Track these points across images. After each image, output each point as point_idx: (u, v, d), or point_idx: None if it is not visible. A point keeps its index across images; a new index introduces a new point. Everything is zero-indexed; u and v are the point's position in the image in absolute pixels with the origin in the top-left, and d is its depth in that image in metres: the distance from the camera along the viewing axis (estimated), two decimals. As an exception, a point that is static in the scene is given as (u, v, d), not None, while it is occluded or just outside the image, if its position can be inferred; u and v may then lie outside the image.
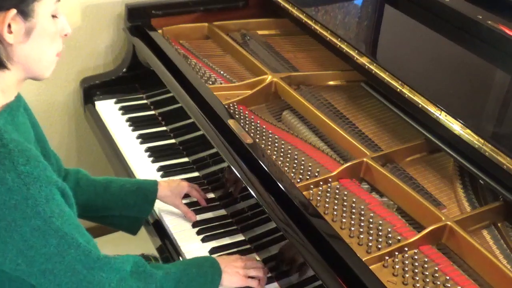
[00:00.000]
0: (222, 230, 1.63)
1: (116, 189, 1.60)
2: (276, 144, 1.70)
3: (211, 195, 1.74)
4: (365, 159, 1.60)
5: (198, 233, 1.62)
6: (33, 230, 1.14)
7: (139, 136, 1.98)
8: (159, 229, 1.67)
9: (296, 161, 1.64)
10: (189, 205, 1.69)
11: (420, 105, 1.56)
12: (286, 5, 2.07)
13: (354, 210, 1.50)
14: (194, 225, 1.64)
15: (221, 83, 1.94)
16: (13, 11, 1.14)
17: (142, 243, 1.73)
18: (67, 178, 1.57)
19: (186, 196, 1.70)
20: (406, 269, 1.36)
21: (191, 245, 1.59)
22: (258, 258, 1.55)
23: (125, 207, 1.60)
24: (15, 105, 1.26)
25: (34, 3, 1.17)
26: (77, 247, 1.18)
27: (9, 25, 1.15)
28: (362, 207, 1.51)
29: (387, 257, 1.38)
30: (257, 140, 1.67)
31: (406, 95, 1.60)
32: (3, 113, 1.21)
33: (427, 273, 1.36)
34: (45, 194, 1.15)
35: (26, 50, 1.20)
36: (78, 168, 1.62)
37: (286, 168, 1.62)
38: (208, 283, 1.39)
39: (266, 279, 1.48)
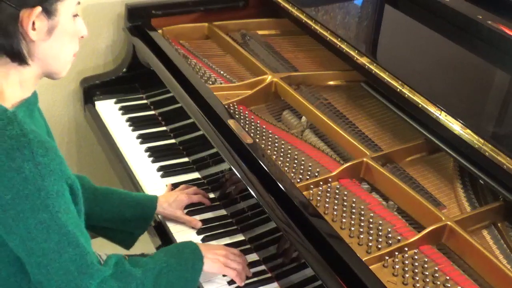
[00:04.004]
0: (222, 230, 1.63)
1: (116, 200, 1.60)
2: (276, 144, 1.70)
3: (211, 195, 1.74)
4: (365, 159, 1.60)
5: (198, 233, 1.62)
6: (38, 223, 1.16)
7: (139, 136, 1.98)
8: (159, 229, 1.67)
9: (296, 161, 1.64)
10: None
11: (420, 105, 1.56)
12: (286, 5, 2.07)
13: (354, 210, 1.50)
14: (194, 225, 1.65)
15: (221, 83, 1.94)
16: (39, 9, 1.17)
17: (142, 243, 1.73)
18: None
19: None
20: (406, 269, 1.36)
21: (191, 245, 1.59)
22: (258, 258, 1.55)
23: (121, 220, 1.61)
24: (32, 101, 1.29)
25: (57, 3, 1.20)
26: (76, 247, 1.20)
27: (33, 23, 1.18)
28: (362, 207, 1.51)
29: (387, 257, 1.38)
30: (257, 140, 1.67)
31: (406, 95, 1.60)
32: (22, 106, 1.24)
33: (427, 273, 1.36)
34: (57, 188, 1.17)
35: (46, 48, 1.23)
36: (81, 175, 1.63)
37: (286, 168, 1.62)
38: (189, 270, 1.39)
39: (245, 277, 1.48)
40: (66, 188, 1.21)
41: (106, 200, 1.60)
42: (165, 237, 1.65)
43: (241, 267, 1.47)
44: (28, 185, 1.14)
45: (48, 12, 1.19)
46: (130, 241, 1.66)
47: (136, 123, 2.04)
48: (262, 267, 1.52)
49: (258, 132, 1.75)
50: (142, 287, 1.31)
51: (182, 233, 1.63)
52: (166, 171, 1.83)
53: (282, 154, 1.67)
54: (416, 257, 1.38)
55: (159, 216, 1.68)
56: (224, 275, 1.49)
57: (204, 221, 1.66)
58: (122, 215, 1.60)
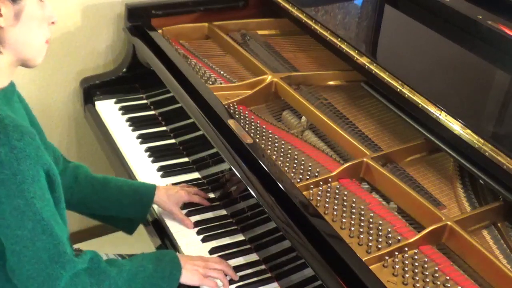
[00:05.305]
0: (222, 230, 1.63)
1: (113, 189, 1.61)
2: (276, 144, 1.70)
3: (211, 195, 1.74)
4: (365, 159, 1.60)
5: (198, 233, 1.62)
6: (13, 210, 1.17)
7: (139, 136, 1.98)
8: (159, 229, 1.67)
9: (296, 161, 1.64)
10: (189, 205, 1.69)
11: (420, 105, 1.56)
12: (286, 5, 2.07)
13: (354, 210, 1.50)
14: (194, 225, 1.64)
15: (221, 83, 1.94)
16: None
17: (142, 243, 1.73)
18: (66, 172, 1.57)
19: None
20: (406, 269, 1.36)
21: (191, 245, 1.59)
22: (258, 258, 1.55)
23: (120, 208, 1.61)
24: (10, 91, 1.29)
25: None
26: (50, 235, 1.20)
27: None
28: (362, 207, 1.51)
29: (387, 257, 1.38)
30: (257, 140, 1.67)
31: (406, 95, 1.60)
32: None
33: (427, 273, 1.36)
34: (32, 173, 1.18)
35: (16, 34, 1.24)
36: (79, 163, 1.63)
37: (286, 168, 1.62)
38: (166, 278, 1.38)
39: (228, 283, 1.47)
40: (42, 175, 1.21)
41: (104, 189, 1.60)
42: (165, 237, 1.65)
43: (222, 276, 1.46)
44: (3, 170, 1.15)
45: None
46: (131, 227, 1.66)
47: (136, 123, 2.04)
48: (262, 267, 1.53)
49: (258, 132, 1.75)
50: (115, 287, 1.30)
51: (182, 233, 1.63)
52: (166, 171, 1.83)
53: (282, 154, 1.67)
54: (416, 257, 1.38)
55: (158, 214, 1.68)
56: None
57: (204, 221, 1.66)
58: (120, 203, 1.60)
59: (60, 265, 1.22)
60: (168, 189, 1.66)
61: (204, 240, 1.60)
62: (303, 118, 1.83)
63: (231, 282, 1.48)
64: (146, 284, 1.35)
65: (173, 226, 1.65)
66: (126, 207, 1.61)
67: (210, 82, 1.94)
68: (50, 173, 1.24)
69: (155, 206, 1.70)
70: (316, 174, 1.59)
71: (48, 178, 1.24)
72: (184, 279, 1.41)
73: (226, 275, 1.48)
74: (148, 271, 1.36)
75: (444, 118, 1.50)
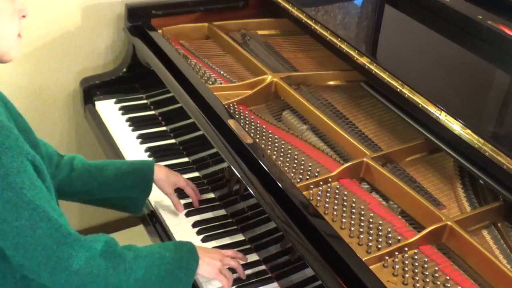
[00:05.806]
0: (222, 230, 1.63)
1: (112, 171, 1.60)
2: (276, 144, 1.70)
3: (211, 195, 1.74)
4: (365, 159, 1.60)
5: (198, 233, 1.62)
6: (5, 203, 1.16)
7: (139, 136, 1.98)
8: (159, 229, 1.67)
9: (296, 161, 1.64)
10: (190, 205, 1.69)
11: (420, 105, 1.56)
12: (286, 5, 2.07)
13: (354, 210, 1.50)
14: (194, 225, 1.64)
15: (221, 83, 1.94)
16: None
17: (142, 243, 1.73)
18: (61, 165, 1.57)
19: (186, 196, 1.70)
20: (406, 269, 1.36)
21: (191, 245, 1.59)
22: (258, 258, 1.55)
23: (122, 188, 1.61)
24: None
25: None
26: (48, 221, 1.19)
27: None
28: (362, 207, 1.51)
29: (387, 257, 1.38)
30: (257, 140, 1.67)
31: (406, 95, 1.60)
32: None
33: (427, 273, 1.36)
34: (16, 165, 1.17)
35: None
36: (74, 154, 1.63)
37: (286, 168, 1.62)
38: (183, 268, 1.35)
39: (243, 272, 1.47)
40: (27, 165, 1.20)
41: (102, 173, 1.60)
42: (165, 237, 1.65)
43: (237, 265, 1.46)
44: None
45: None
46: (138, 206, 1.66)
47: (136, 123, 2.04)
48: (262, 267, 1.53)
49: (258, 132, 1.75)
50: (130, 272, 1.27)
51: (182, 233, 1.62)
52: (166, 171, 1.83)
53: (282, 154, 1.67)
54: (416, 257, 1.38)
55: (158, 214, 1.68)
56: None
57: (204, 221, 1.66)
58: (122, 184, 1.60)
59: (67, 246, 1.20)
60: (167, 170, 1.67)
61: (204, 240, 1.60)
62: (305, 126, 1.82)
63: (235, 282, 1.47)
64: (162, 271, 1.32)
65: (173, 226, 1.65)
66: (128, 186, 1.61)
67: (210, 82, 1.94)
68: (36, 163, 1.23)
69: (153, 204, 1.70)
70: (316, 174, 1.59)
71: (35, 168, 1.23)
72: (201, 271, 1.39)
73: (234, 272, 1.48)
74: (165, 259, 1.34)
75: (444, 118, 1.51)
